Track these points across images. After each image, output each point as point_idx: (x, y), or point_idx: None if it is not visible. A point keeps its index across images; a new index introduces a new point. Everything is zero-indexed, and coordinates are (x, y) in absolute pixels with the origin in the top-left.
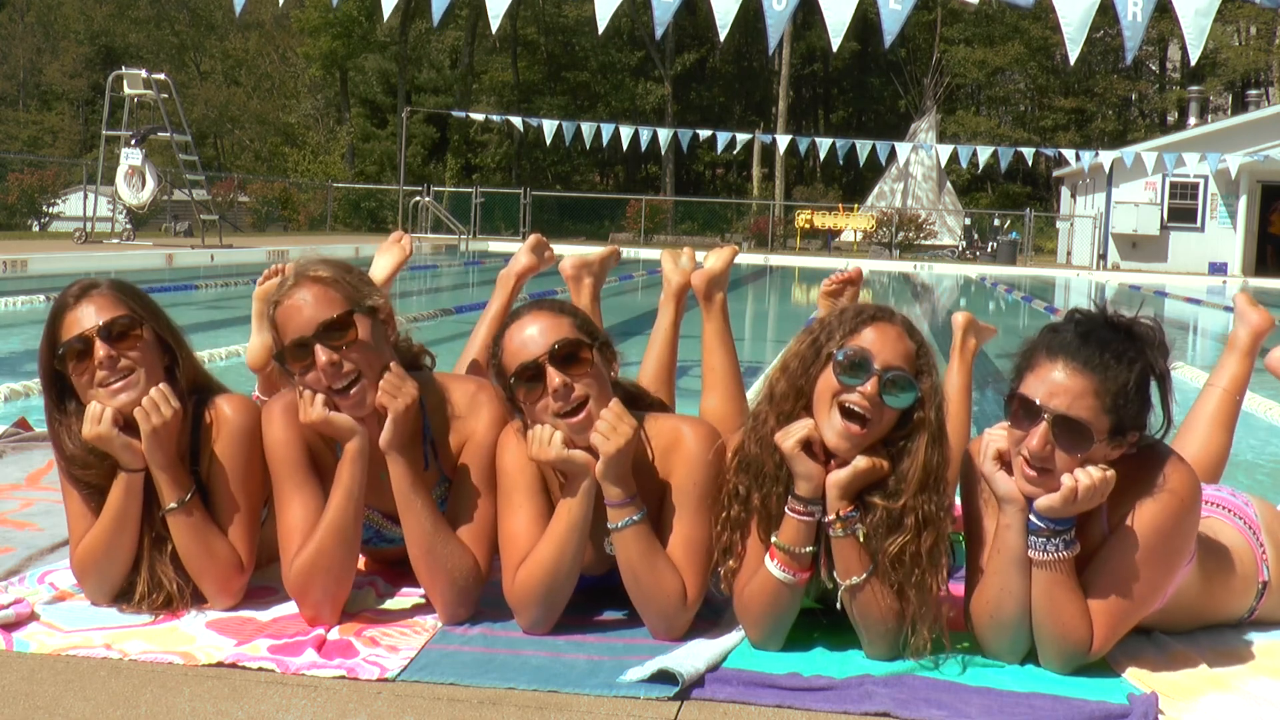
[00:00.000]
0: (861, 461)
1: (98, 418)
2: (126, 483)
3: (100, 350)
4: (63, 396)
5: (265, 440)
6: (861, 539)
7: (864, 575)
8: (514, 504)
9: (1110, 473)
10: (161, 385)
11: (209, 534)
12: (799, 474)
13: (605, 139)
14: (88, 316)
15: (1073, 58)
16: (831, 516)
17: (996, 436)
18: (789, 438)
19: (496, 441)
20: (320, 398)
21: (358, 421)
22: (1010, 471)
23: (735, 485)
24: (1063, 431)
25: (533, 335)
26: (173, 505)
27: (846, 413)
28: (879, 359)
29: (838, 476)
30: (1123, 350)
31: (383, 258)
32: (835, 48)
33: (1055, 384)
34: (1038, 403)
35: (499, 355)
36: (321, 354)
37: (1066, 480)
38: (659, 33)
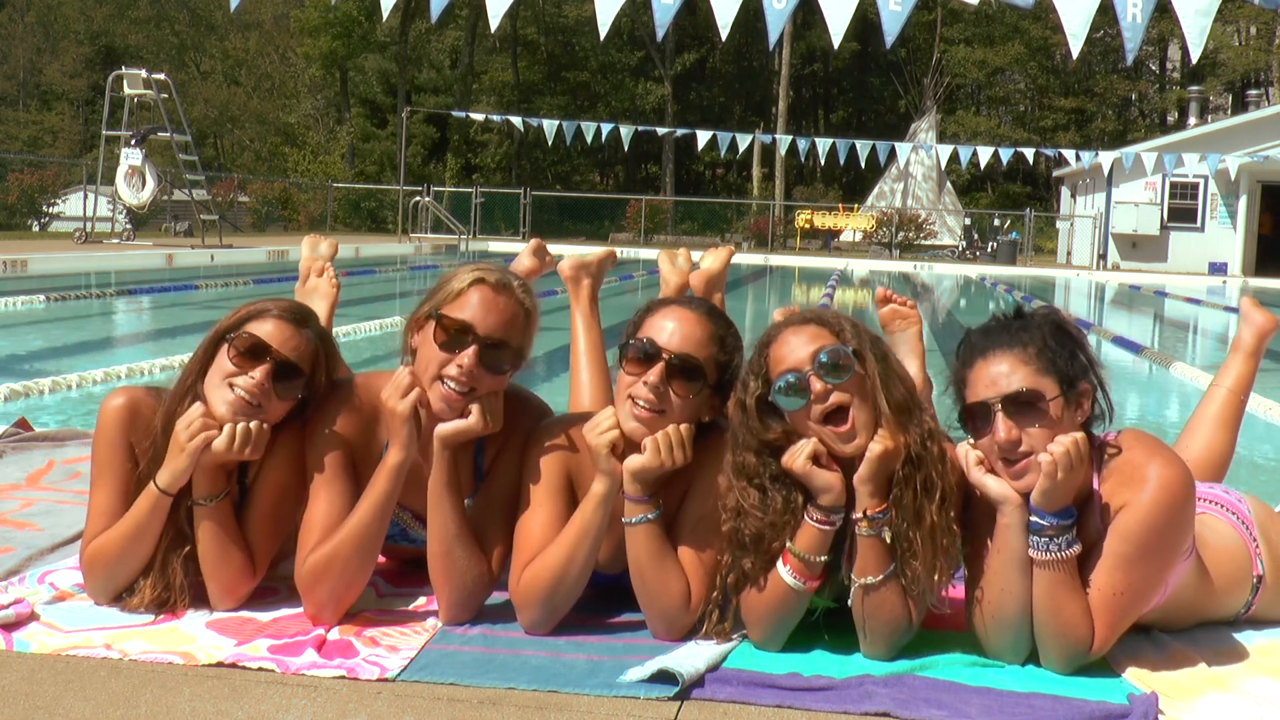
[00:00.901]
0: (876, 447)
1: (197, 429)
2: (156, 499)
3: (260, 372)
4: (206, 368)
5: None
6: (888, 539)
7: (880, 576)
8: (534, 502)
9: (1079, 435)
10: (266, 428)
11: (228, 538)
12: (818, 488)
13: (604, 138)
14: (281, 339)
15: (1075, 53)
16: (859, 514)
17: (967, 447)
18: (798, 457)
19: (529, 450)
20: (413, 396)
21: (419, 432)
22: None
23: (733, 559)
24: (1016, 409)
25: (670, 328)
26: (201, 501)
27: (827, 418)
28: (801, 362)
29: (861, 475)
30: (1022, 321)
31: (318, 303)
32: (835, 47)
33: (986, 378)
34: (983, 400)
35: (637, 320)
36: (469, 356)
37: (1044, 459)
38: (660, 34)
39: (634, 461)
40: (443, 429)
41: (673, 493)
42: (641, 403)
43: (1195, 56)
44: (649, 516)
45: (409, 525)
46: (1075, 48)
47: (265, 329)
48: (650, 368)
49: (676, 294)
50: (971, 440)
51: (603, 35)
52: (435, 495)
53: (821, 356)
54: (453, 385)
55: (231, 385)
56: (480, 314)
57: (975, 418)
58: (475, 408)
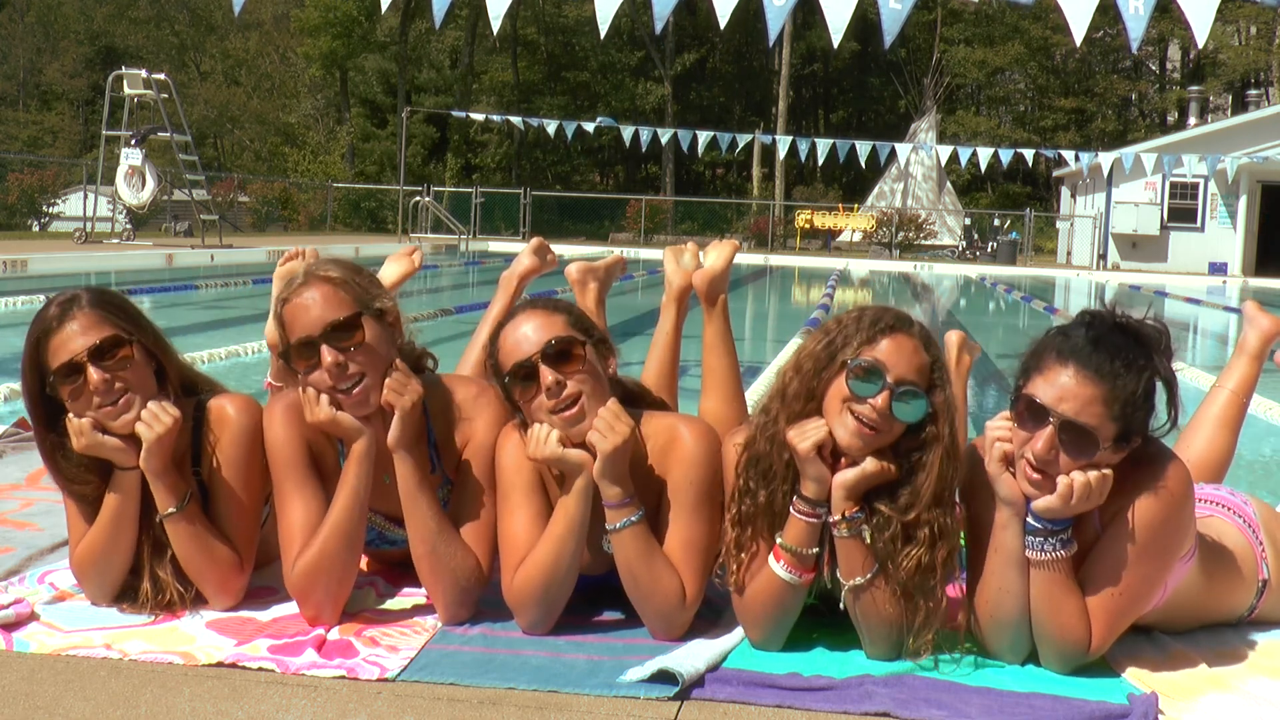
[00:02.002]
0: (870, 464)
1: (80, 430)
2: (122, 481)
3: (94, 376)
4: (52, 418)
5: (266, 440)
6: (868, 540)
7: (868, 576)
8: (512, 504)
9: (1108, 474)
10: (154, 402)
11: (207, 537)
12: (809, 475)
13: (604, 138)
14: (73, 339)
15: (1078, 39)
16: (836, 517)
17: (1001, 433)
18: (805, 440)
19: (499, 454)
20: (325, 398)
21: (363, 423)
22: (1014, 473)
23: (745, 481)
24: (1069, 437)
25: (526, 334)
26: (171, 510)
27: (857, 418)
28: (892, 372)
29: (844, 477)
30: (1133, 358)
31: (391, 266)
32: (835, 47)
33: (1065, 389)
34: (1046, 406)
35: (495, 355)
36: (327, 354)
37: (1063, 480)
38: (658, 27)
39: (597, 465)
40: (391, 438)
41: (646, 496)
42: (557, 409)
43: (1201, 42)
44: (632, 519)
45: (384, 527)
46: (1078, 35)
47: (63, 346)
48: (537, 379)
49: (680, 296)
50: (1012, 423)
51: (603, 35)
52: (409, 498)
53: (904, 388)
54: (341, 388)
55: (96, 409)
56: (304, 319)
57: (1029, 411)
58: (389, 395)
